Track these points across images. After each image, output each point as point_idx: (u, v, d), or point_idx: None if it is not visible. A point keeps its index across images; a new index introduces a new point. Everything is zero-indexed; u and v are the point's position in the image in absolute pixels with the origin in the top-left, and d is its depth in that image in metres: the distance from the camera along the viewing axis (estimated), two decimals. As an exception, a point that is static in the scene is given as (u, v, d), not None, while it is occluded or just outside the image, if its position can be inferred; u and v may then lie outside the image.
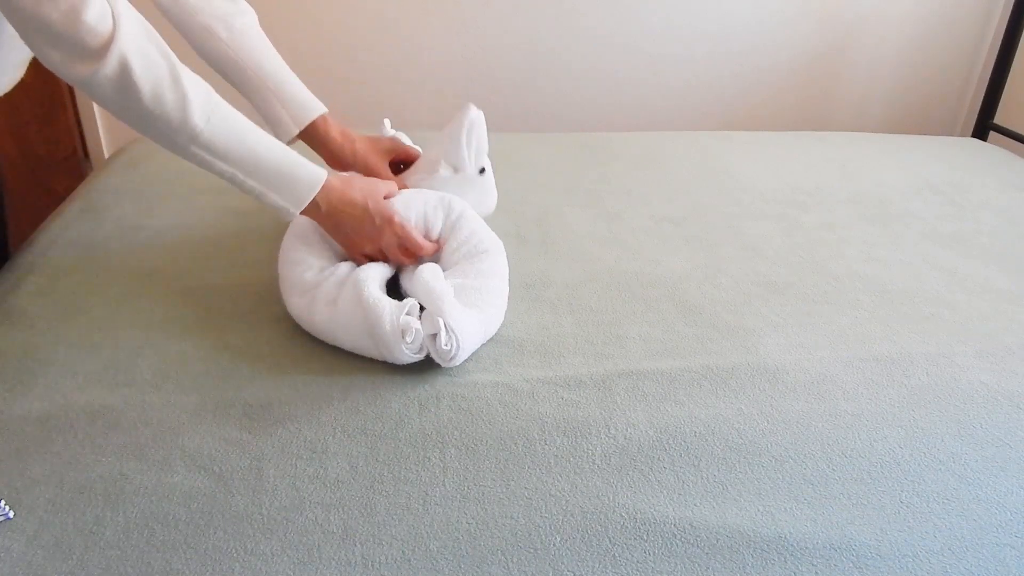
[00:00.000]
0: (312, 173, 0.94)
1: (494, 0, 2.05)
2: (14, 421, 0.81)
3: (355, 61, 2.10)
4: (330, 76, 2.10)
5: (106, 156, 2.06)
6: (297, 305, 0.97)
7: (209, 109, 0.86)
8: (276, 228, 1.20)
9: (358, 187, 1.00)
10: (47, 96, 1.97)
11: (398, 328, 0.88)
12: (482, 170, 1.13)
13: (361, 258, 1.02)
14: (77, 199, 1.32)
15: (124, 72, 0.80)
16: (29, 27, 0.78)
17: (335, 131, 1.10)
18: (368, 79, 2.12)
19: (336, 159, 1.12)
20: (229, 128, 0.88)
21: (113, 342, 0.94)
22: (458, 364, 0.91)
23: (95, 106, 2.04)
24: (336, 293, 0.95)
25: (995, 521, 0.77)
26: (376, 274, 0.98)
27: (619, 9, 2.10)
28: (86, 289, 1.05)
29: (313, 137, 1.10)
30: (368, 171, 1.12)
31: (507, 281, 1.03)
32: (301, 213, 0.96)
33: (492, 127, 2.19)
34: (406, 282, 1.02)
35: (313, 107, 1.09)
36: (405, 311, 0.90)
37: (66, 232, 1.20)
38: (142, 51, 0.81)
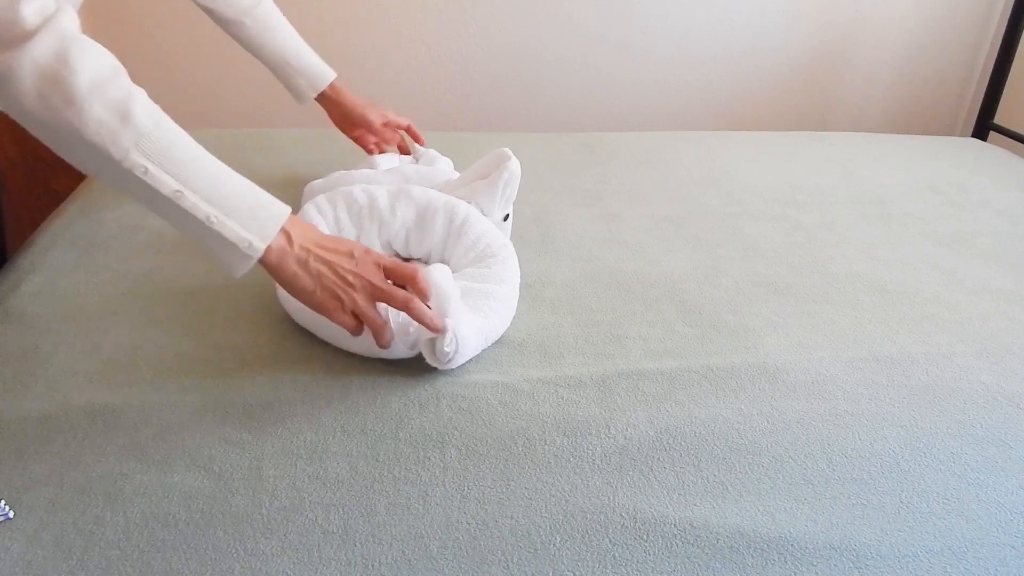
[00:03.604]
0: (278, 203, 0.80)
1: (494, 0, 2.05)
2: (14, 421, 0.81)
3: (355, 61, 2.09)
4: (330, 76, 2.10)
5: (106, 156, 2.05)
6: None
7: (156, 114, 0.72)
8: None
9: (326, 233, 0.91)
10: (47, 96, 1.96)
11: (399, 318, 0.87)
12: (506, 217, 1.14)
13: (341, 315, 0.83)
14: (77, 199, 1.32)
15: (60, 53, 0.67)
16: None
17: (345, 93, 1.32)
18: (368, 79, 2.12)
19: (346, 117, 1.34)
20: (178, 138, 0.73)
21: (113, 342, 0.94)
22: (453, 368, 0.90)
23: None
24: None
25: (995, 521, 0.77)
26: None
27: (619, 9, 2.10)
28: (86, 289, 1.05)
29: (327, 98, 1.32)
30: (369, 127, 1.35)
31: (517, 286, 1.02)
32: (263, 254, 0.77)
33: (492, 127, 2.20)
34: None
35: (325, 74, 1.30)
36: None
37: (66, 232, 1.20)
38: (83, 38, 0.70)
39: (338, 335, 0.92)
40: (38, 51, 0.66)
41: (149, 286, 1.06)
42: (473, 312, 0.92)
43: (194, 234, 0.75)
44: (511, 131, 2.19)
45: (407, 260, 1.08)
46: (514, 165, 1.09)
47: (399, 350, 0.89)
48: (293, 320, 0.98)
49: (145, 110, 0.71)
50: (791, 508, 0.76)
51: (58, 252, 1.14)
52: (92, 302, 1.02)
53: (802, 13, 2.17)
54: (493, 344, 0.96)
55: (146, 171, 0.71)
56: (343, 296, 0.81)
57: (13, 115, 0.70)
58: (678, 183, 1.49)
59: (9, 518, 0.70)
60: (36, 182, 2.04)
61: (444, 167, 1.31)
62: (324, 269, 0.80)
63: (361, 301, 0.82)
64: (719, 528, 0.73)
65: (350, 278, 0.81)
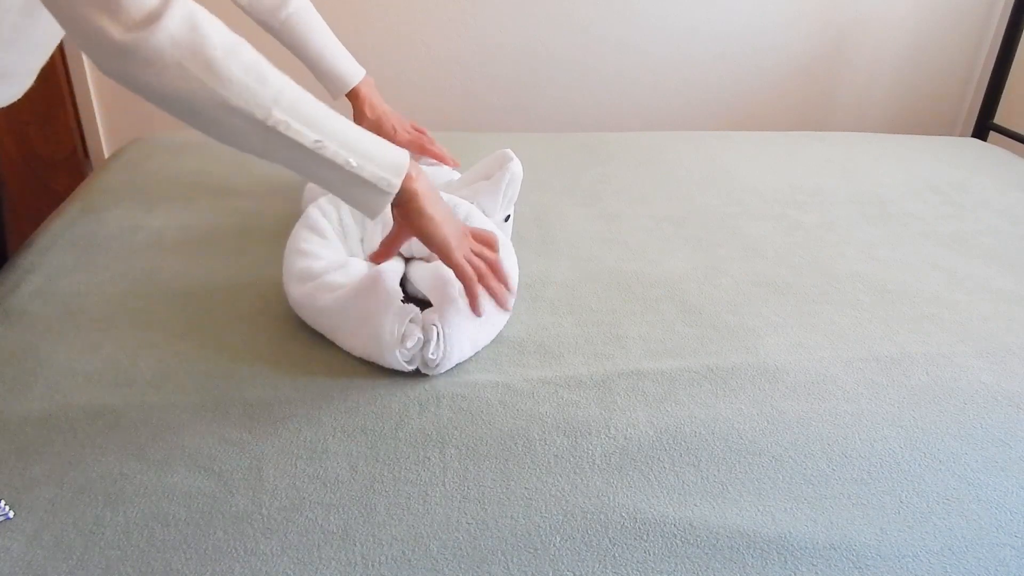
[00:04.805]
0: (395, 146, 0.82)
1: (494, 0, 2.05)
2: (14, 421, 0.81)
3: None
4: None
5: (106, 156, 2.06)
6: (299, 292, 0.96)
7: (279, 72, 0.74)
8: (277, 228, 1.20)
9: None
10: (47, 96, 1.97)
11: (400, 331, 0.88)
12: (507, 217, 1.14)
13: (460, 255, 0.86)
14: (77, 199, 1.32)
15: (192, 23, 0.67)
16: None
17: (363, 106, 1.24)
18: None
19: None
20: (303, 93, 0.75)
21: (113, 342, 0.94)
22: (441, 372, 0.90)
23: (95, 106, 2.04)
24: (343, 282, 0.93)
25: (995, 521, 0.77)
26: (392, 268, 0.97)
27: (619, 9, 2.10)
28: (86, 289, 1.05)
29: (352, 105, 1.25)
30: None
31: (514, 287, 1.01)
32: (399, 190, 0.80)
33: (492, 127, 2.20)
34: (415, 275, 1.01)
35: (343, 84, 1.23)
36: (408, 318, 0.89)
37: (66, 232, 1.20)
38: (198, 5, 0.70)
39: (354, 331, 0.92)
40: (173, 25, 0.66)
41: (149, 286, 1.06)
42: (465, 312, 0.92)
43: (334, 181, 0.78)
44: (511, 131, 2.19)
45: (409, 260, 1.08)
46: (516, 166, 1.09)
47: (396, 359, 0.88)
48: (292, 321, 0.98)
49: (272, 68, 0.73)
50: (791, 508, 0.76)
51: (58, 252, 1.14)
52: (92, 302, 1.02)
53: (802, 13, 2.17)
54: (493, 343, 0.96)
55: (288, 125, 0.72)
56: (461, 239, 0.87)
57: (148, 94, 0.69)
58: (678, 183, 1.49)
59: (9, 518, 0.70)
60: (36, 182, 2.04)
61: (444, 168, 1.31)
62: (440, 206, 0.85)
63: (473, 248, 0.87)
64: (719, 528, 0.73)
65: (450, 216, 0.86)
